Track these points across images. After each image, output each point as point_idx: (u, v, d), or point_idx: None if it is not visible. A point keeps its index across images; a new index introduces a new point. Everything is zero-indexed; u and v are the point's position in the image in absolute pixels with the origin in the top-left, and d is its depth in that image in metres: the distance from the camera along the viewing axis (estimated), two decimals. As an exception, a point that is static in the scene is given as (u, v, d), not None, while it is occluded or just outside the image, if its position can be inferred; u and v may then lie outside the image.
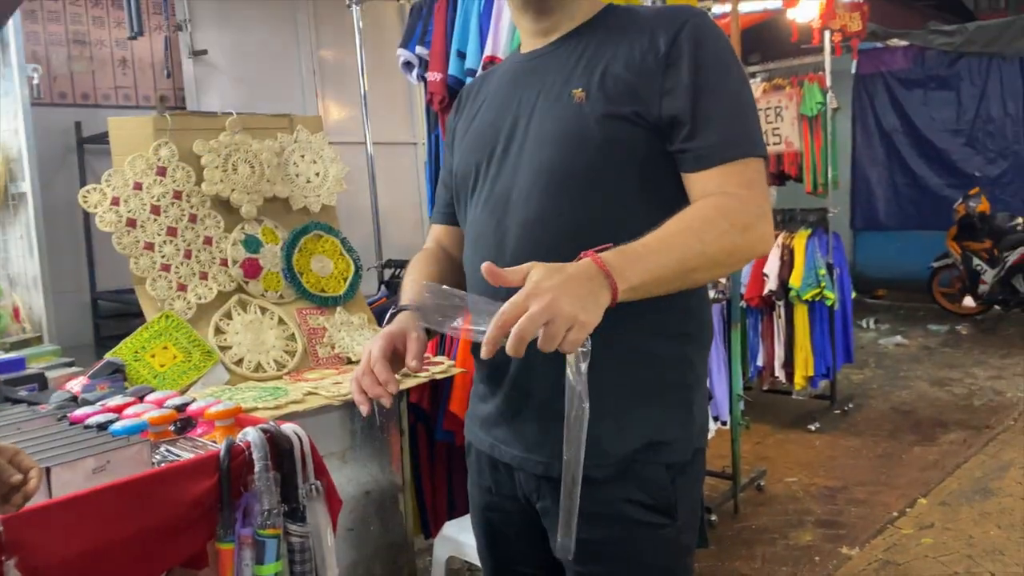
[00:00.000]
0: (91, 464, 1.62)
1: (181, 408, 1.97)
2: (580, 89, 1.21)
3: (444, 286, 1.08)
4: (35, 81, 2.59)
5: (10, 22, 2.56)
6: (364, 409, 1.18)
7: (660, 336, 1.22)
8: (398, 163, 4.38)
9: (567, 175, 1.20)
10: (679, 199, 1.18)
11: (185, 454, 1.80)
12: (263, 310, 2.65)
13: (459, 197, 1.40)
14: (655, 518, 1.21)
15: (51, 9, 3.35)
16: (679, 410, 1.25)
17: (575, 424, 0.99)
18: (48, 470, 1.57)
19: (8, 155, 2.66)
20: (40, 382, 2.24)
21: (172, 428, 1.93)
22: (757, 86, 4.68)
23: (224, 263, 2.62)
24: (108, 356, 2.35)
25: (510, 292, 0.97)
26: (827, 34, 4.56)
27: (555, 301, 0.93)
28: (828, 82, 4.64)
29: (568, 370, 0.98)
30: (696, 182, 1.17)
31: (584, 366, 0.97)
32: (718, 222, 1.09)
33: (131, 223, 2.48)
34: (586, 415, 0.98)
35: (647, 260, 1.03)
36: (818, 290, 4.51)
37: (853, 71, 7.54)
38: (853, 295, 5.07)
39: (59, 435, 1.80)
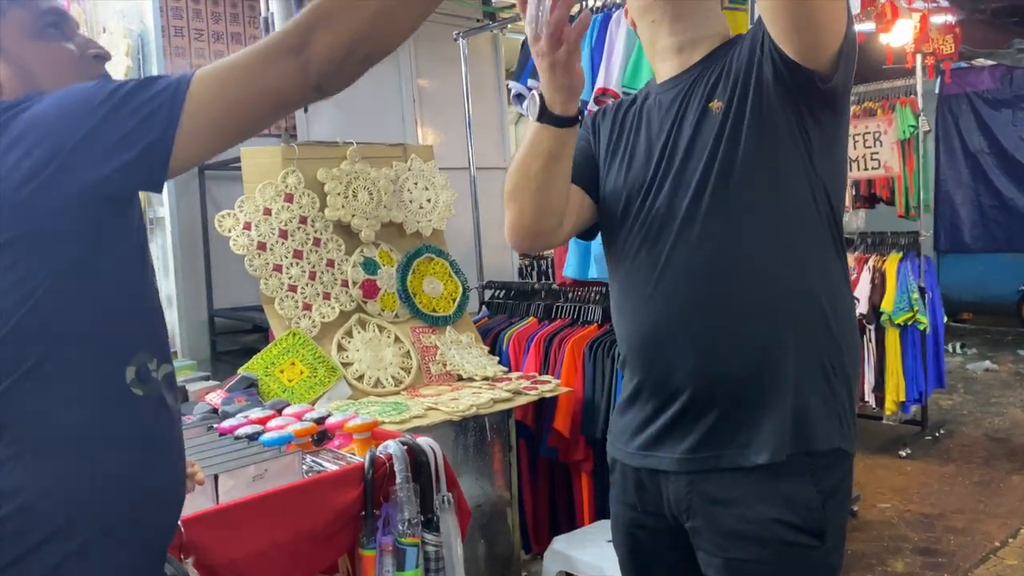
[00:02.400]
0: (251, 472, 1.76)
1: (320, 421, 2.10)
2: (717, 102, 1.29)
3: None
4: (174, 114, 2.78)
5: (154, 60, 2.76)
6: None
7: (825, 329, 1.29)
8: (491, 186, 4.50)
9: (720, 196, 1.27)
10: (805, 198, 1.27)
11: (329, 465, 1.93)
12: (381, 329, 2.78)
13: (609, 221, 1.44)
14: (805, 539, 1.25)
15: (177, 45, 3.58)
16: (833, 417, 1.29)
17: None
18: (216, 477, 1.71)
19: (147, 182, 2.87)
20: (182, 394, 2.40)
21: (311, 440, 2.06)
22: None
23: (345, 284, 2.76)
24: (242, 371, 2.51)
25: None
26: (919, 57, 4.54)
27: None
28: (920, 105, 4.61)
29: None
30: None
31: None
32: None
33: (261, 246, 2.65)
34: None
35: None
36: (911, 314, 4.46)
37: (937, 91, 7.42)
38: (944, 319, 5.00)
39: (215, 445, 1.94)
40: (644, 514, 1.40)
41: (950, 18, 4.78)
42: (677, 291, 1.30)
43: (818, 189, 1.29)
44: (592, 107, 2.71)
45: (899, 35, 4.26)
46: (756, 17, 1.32)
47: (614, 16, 2.74)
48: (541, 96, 1.25)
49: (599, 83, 2.69)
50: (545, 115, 1.25)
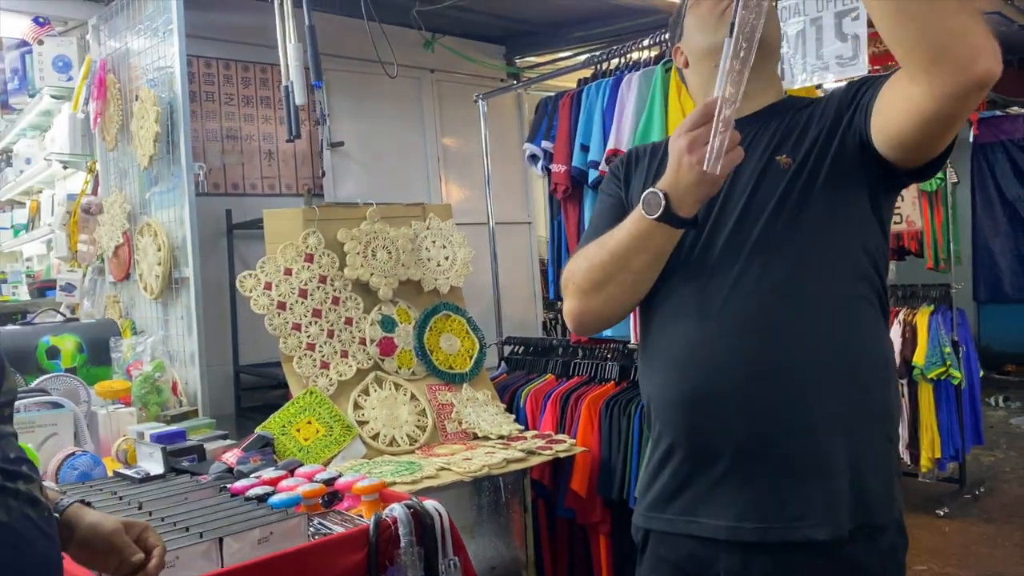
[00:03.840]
0: (257, 535, 1.77)
1: (330, 482, 2.11)
2: (785, 156, 1.28)
3: None
4: (200, 178, 2.88)
5: (181, 127, 2.86)
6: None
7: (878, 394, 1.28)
8: (514, 241, 4.56)
9: (773, 246, 1.26)
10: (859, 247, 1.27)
11: (335, 527, 1.93)
12: (397, 386, 2.80)
13: None
14: None
15: (208, 110, 3.71)
16: (889, 486, 1.28)
17: None
18: (220, 540, 1.72)
19: (173, 243, 2.95)
20: (199, 453, 2.43)
21: (320, 501, 2.07)
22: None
23: (363, 342, 2.80)
24: (258, 430, 2.54)
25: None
26: (944, 109, 4.52)
27: None
28: (947, 156, 4.57)
29: None
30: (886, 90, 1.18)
31: None
32: None
33: (281, 306, 2.70)
34: None
35: None
36: (944, 368, 4.36)
37: (971, 140, 7.35)
38: (981, 373, 4.88)
39: (224, 506, 1.96)
40: None
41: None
42: (729, 347, 1.25)
43: (874, 253, 1.29)
44: (604, 168, 2.75)
45: None
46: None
47: (625, 79, 2.79)
48: (665, 195, 1.21)
49: (610, 144, 2.74)
50: (669, 215, 1.22)
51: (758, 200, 1.28)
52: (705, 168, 1.14)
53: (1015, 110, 7.70)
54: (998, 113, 7.76)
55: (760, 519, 1.24)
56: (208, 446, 2.49)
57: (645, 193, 1.24)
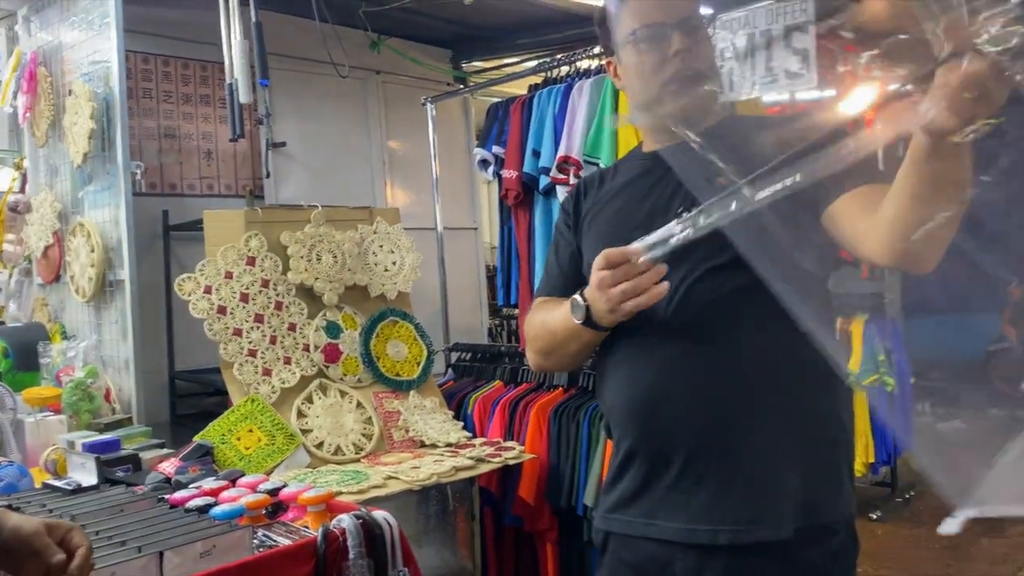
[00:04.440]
0: (199, 548, 1.70)
1: (274, 492, 2.05)
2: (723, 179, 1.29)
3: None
4: (137, 177, 2.77)
5: (117, 121, 2.76)
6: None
7: (819, 389, 1.29)
8: (460, 247, 4.52)
9: (716, 262, 1.28)
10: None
11: (281, 539, 1.87)
12: (342, 394, 2.74)
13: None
14: None
15: (146, 107, 3.59)
16: (838, 483, 1.31)
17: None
18: (161, 555, 1.65)
19: (108, 244, 2.84)
20: (135, 463, 2.33)
21: (264, 512, 2.01)
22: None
23: (306, 348, 2.73)
24: (197, 439, 2.45)
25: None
26: (879, 123, 4.65)
27: None
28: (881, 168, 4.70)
29: None
30: (847, 199, 1.23)
31: None
32: None
33: (222, 310, 2.62)
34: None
35: None
36: (877, 375, 4.48)
37: (898, 153, 7.61)
38: (912, 380, 5.02)
39: (163, 518, 1.88)
40: None
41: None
42: (678, 355, 1.29)
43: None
44: (555, 174, 2.74)
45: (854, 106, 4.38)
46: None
47: (577, 85, 2.79)
48: (587, 307, 1.25)
49: (561, 151, 2.73)
50: (591, 323, 1.27)
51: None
52: (613, 308, 1.19)
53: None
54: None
55: (711, 521, 1.27)
56: (144, 455, 2.40)
57: (572, 298, 1.29)
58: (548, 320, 1.40)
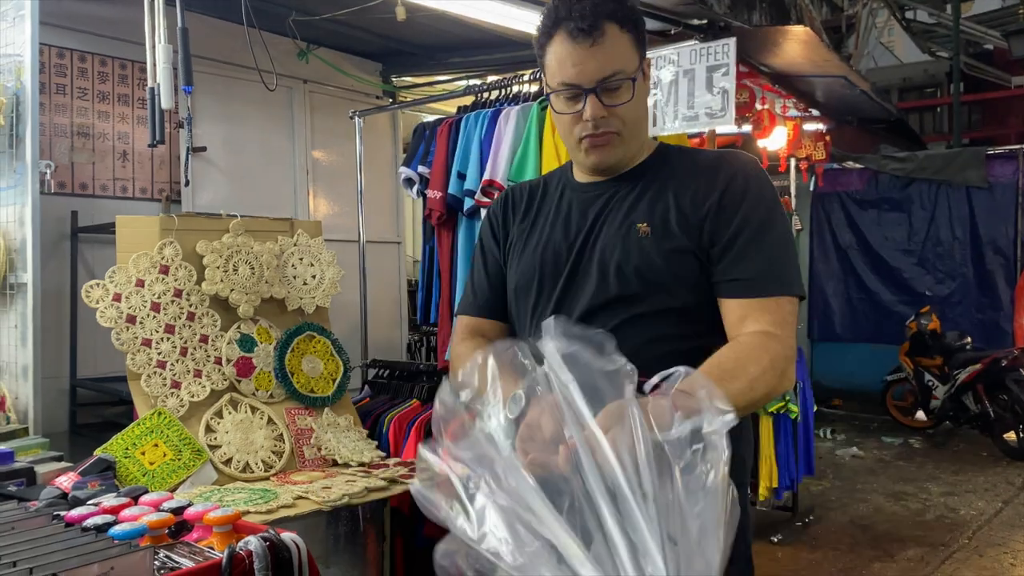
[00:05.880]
0: (95, 571, 1.63)
1: (178, 511, 1.98)
2: (644, 224, 1.36)
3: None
4: (47, 176, 2.66)
5: (29, 119, 2.65)
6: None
7: None
8: (382, 261, 4.49)
9: (631, 304, 1.35)
10: (717, 321, 1.35)
11: (184, 560, 1.81)
12: (253, 409, 2.68)
13: (516, 307, 1.50)
14: None
15: (59, 103, 3.45)
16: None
17: None
18: (54, 576, 1.58)
19: (10, 245, 2.71)
20: (29, 477, 2.23)
21: (167, 532, 1.94)
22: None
23: (218, 361, 2.66)
24: (98, 452, 2.36)
25: None
26: (793, 161, 4.86)
27: None
28: (793, 205, 4.91)
29: None
30: (735, 308, 1.32)
31: None
32: (766, 368, 1.23)
33: (131, 319, 2.53)
34: None
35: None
36: (783, 403, 4.64)
37: (812, 189, 7.93)
38: (815, 408, 5.23)
39: (57, 537, 1.80)
40: None
41: (821, 127, 5.15)
42: None
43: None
44: (480, 197, 2.76)
45: (775, 140, 4.56)
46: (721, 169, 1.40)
47: (504, 112, 2.82)
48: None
49: (486, 175, 2.75)
50: None
51: (617, 257, 1.38)
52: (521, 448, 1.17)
53: (850, 164, 8.38)
54: (835, 166, 8.42)
55: None
56: (39, 468, 2.29)
57: (512, 395, 1.22)
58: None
